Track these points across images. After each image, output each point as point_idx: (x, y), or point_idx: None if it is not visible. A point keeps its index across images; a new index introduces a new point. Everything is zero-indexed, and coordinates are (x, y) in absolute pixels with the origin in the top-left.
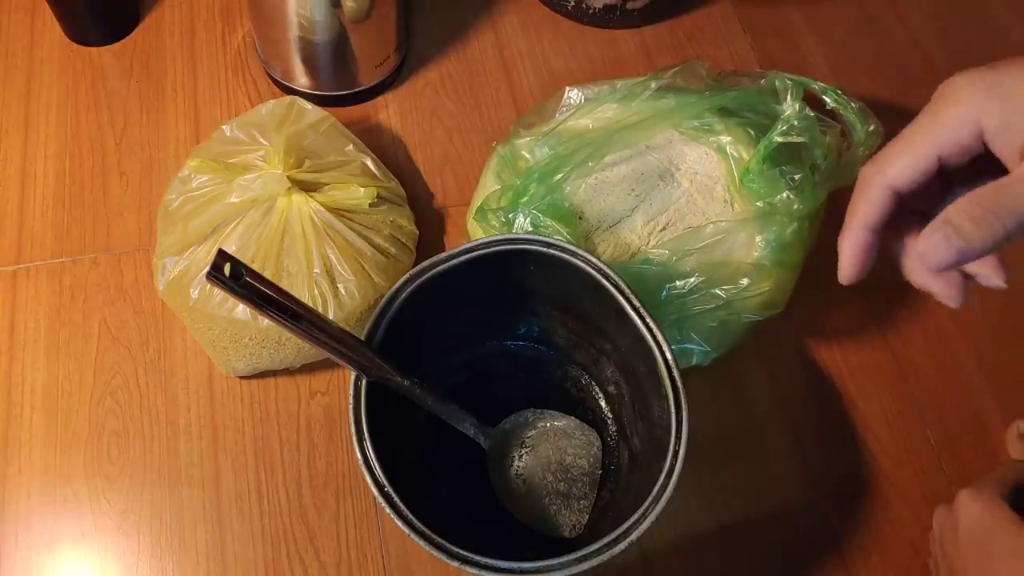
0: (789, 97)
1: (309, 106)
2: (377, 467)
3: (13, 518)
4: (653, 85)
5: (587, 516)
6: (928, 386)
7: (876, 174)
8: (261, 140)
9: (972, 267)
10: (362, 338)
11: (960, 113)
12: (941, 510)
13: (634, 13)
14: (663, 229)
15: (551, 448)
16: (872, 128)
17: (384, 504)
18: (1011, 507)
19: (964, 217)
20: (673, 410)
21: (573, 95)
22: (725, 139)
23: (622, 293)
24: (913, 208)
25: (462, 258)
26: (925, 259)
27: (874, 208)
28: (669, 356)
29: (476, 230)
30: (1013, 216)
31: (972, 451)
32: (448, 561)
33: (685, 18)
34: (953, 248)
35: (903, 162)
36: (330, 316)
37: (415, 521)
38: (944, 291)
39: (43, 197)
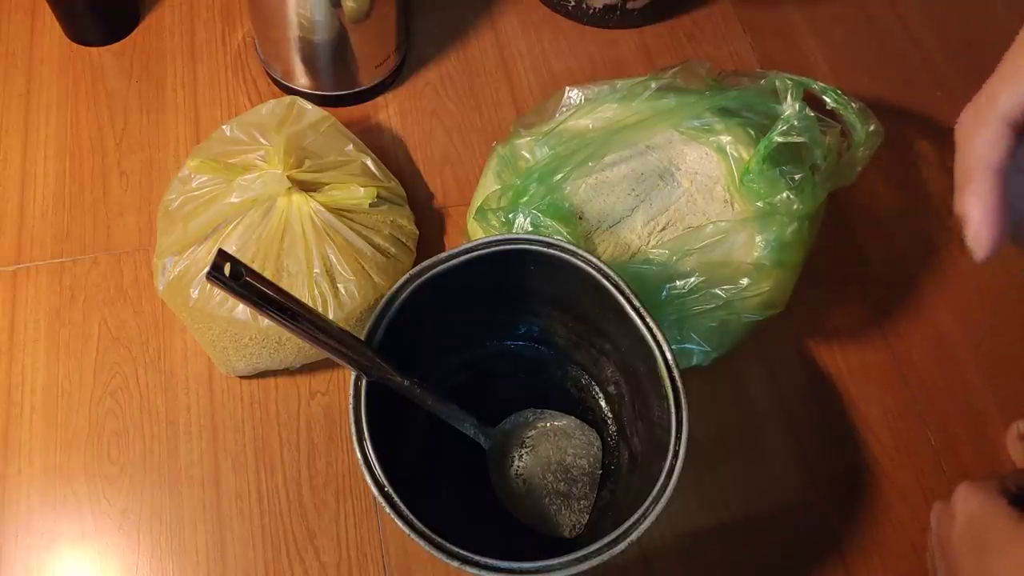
0: (789, 97)
1: (309, 106)
2: (377, 467)
3: (13, 518)
4: (653, 85)
5: (587, 516)
6: (928, 386)
7: (987, 110)
8: (261, 140)
9: None
10: (362, 338)
11: None
12: (939, 504)
13: (634, 13)
14: (663, 229)
15: (551, 448)
16: (872, 128)
17: (384, 504)
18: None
19: None
20: (673, 410)
21: (573, 95)
22: (725, 139)
23: (622, 293)
24: None
25: (462, 258)
26: None
27: (997, 148)
28: (669, 356)
29: (476, 230)
30: None
31: (972, 452)
32: (448, 561)
33: (685, 18)
34: None
35: (1017, 89)
36: (330, 316)
37: (415, 521)
38: None
39: (43, 197)
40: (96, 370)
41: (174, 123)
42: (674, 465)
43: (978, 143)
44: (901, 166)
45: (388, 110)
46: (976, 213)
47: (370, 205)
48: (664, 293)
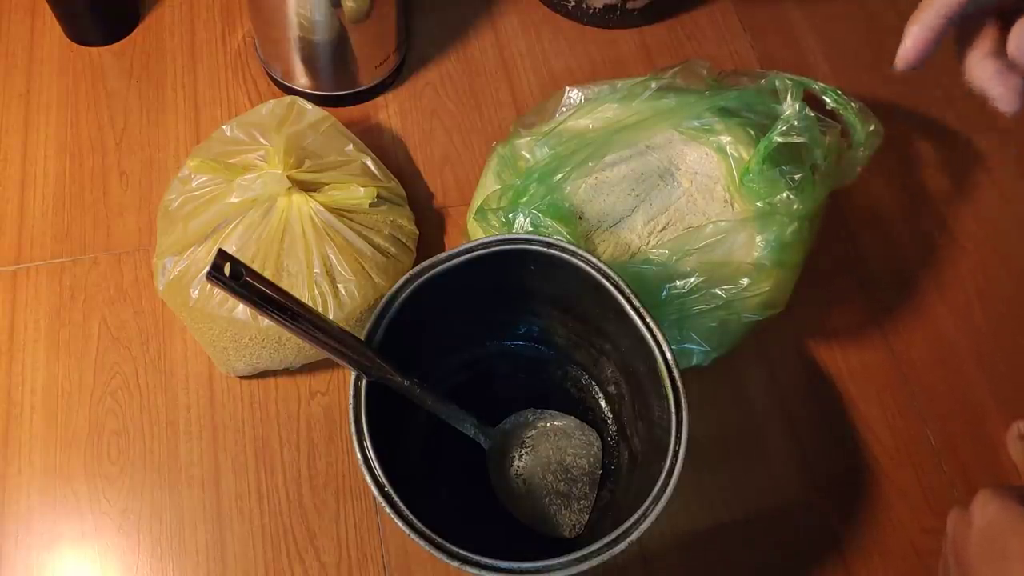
0: (789, 97)
1: (309, 106)
2: (377, 467)
3: (13, 518)
4: (653, 85)
5: (587, 516)
6: (928, 386)
7: None
8: (261, 140)
9: None
10: (362, 338)
11: None
12: (956, 510)
13: (634, 13)
14: (663, 229)
15: (551, 448)
16: (872, 128)
17: (384, 504)
18: None
19: None
20: (673, 410)
21: (573, 95)
22: (725, 139)
23: (622, 293)
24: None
25: (462, 258)
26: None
27: None
28: (669, 356)
29: (476, 230)
30: None
31: (972, 451)
32: (448, 561)
33: (685, 18)
34: None
35: None
36: (330, 316)
37: (415, 521)
38: (1002, 93)
39: (43, 197)
40: (96, 370)
41: (174, 123)
42: (674, 465)
43: None
44: (901, 166)
45: (388, 110)
46: (913, 33)
47: (370, 205)
48: (664, 293)
